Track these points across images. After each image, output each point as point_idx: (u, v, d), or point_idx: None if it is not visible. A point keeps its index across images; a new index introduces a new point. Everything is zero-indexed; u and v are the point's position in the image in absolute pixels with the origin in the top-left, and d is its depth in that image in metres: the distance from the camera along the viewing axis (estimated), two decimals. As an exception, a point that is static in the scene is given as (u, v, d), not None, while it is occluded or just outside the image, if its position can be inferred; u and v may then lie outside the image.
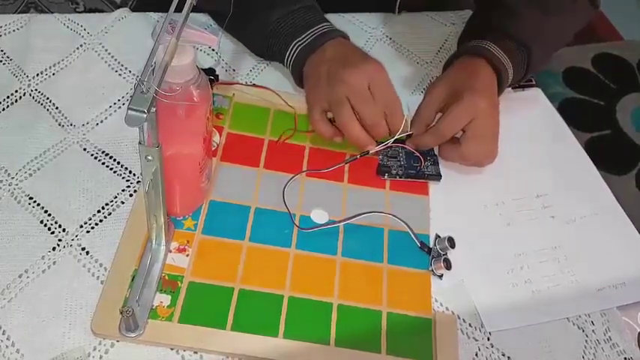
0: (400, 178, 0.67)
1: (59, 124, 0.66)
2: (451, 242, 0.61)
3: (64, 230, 0.58)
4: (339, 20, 0.80)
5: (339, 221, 0.61)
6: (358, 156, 0.66)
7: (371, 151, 0.64)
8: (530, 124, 0.77)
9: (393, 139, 0.66)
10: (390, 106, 0.63)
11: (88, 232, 0.59)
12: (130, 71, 0.72)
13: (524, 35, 0.70)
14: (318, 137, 0.68)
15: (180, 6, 0.44)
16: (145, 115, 0.41)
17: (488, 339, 0.58)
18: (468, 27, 0.80)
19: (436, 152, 0.69)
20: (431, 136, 0.66)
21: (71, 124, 0.66)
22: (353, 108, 0.62)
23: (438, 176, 0.67)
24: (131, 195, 0.62)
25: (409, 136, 0.67)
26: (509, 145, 0.73)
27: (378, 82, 0.62)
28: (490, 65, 0.68)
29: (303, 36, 0.67)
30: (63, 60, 0.72)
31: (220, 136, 0.67)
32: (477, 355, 0.57)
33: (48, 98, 0.68)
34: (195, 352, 0.53)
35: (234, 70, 0.75)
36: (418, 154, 0.68)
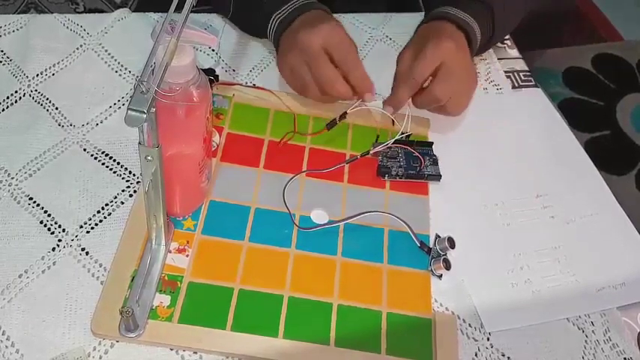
0: (400, 178, 0.67)
1: (59, 125, 0.66)
2: (451, 242, 0.61)
3: (63, 230, 0.58)
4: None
5: (339, 221, 0.62)
6: (358, 156, 0.66)
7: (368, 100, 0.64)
8: (530, 124, 0.77)
9: (392, 140, 0.66)
10: (347, 65, 0.63)
11: (87, 232, 0.59)
12: (129, 71, 0.72)
13: None
14: (319, 138, 0.68)
15: (180, 6, 0.44)
16: (144, 116, 0.41)
17: (488, 339, 0.58)
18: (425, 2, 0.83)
19: (435, 152, 0.69)
20: (404, 87, 0.66)
21: (71, 125, 0.66)
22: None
23: (437, 176, 0.67)
24: (131, 195, 0.62)
25: (408, 136, 0.67)
26: (509, 145, 0.74)
27: (332, 41, 0.63)
28: (455, 26, 0.68)
29: (283, 9, 0.68)
30: (63, 60, 0.72)
31: (220, 137, 0.67)
32: (476, 355, 0.57)
33: (48, 99, 0.68)
34: (195, 353, 0.53)
35: (234, 71, 0.75)
36: (417, 154, 0.68)
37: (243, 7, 0.74)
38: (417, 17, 0.87)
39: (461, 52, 0.66)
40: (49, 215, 0.59)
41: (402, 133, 0.66)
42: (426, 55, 0.65)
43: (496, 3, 0.72)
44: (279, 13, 0.68)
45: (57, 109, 0.67)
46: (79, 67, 0.72)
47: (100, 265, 0.57)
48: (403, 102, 0.67)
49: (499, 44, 0.85)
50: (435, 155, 0.69)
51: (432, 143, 0.70)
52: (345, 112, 0.66)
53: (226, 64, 0.76)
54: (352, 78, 0.64)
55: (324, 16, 0.68)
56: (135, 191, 0.62)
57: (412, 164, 0.67)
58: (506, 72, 0.82)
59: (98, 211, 0.60)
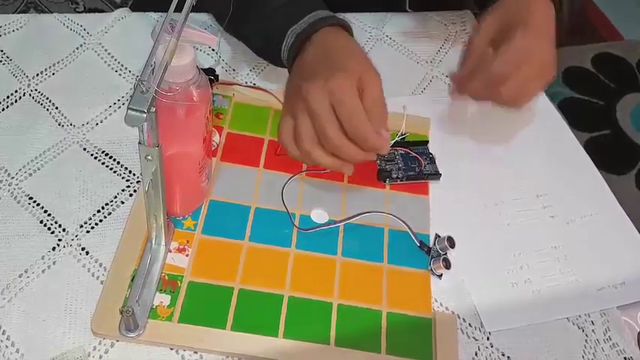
0: (401, 181, 0.66)
1: (59, 124, 0.66)
2: (451, 242, 0.61)
3: (63, 230, 0.59)
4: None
5: (339, 221, 0.62)
6: None
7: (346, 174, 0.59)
8: (530, 124, 0.77)
9: (392, 142, 0.65)
10: (352, 126, 0.54)
11: (87, 232, 0.59)
12: (129, 71, 0.72)
13: None
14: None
15: (180, 6, 0.44)
16: (144, 115, 0.41)
17: (488, 339, 0.58)
18: None
19: (432, 151, 0.69)
20: (479, 81, 0.64)
21: (71, 124, 0.66)
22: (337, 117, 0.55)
23: (437, 175, 0.67)
24: (131, 195, 0.62)
25: (404, 137, 0.67)
26: (509, 145, 0.74)
27: (338, 99, 0.54)
28: None
29: (299, 23, 0.62)
30: (63, 60, 0.72)
31: (220, 136, 0.67)
32: (476, 354, 0.57)
33: (48, 98, 0.68)
34: (195, 352, 0.53)
35: (234, 70, 0.75)
36: (416, 155, 0.68)
37: (250, 21, 0.69)
38: (417, 17, 0.87)
39: (547, 46, 0.63)
40: (49, 215, 0.59)
41: (401, 135, 0.66)
42: (508, 56, 0.62)
43: None
44: (295, 28, 0.62)
45: (57, 108, 0.67)
46: (79, 67, 0.72)
47: (100, 265, 0.57)
48: (474, 94, 0.65)
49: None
50: (431, 154, 0.69)
51: (428, 142, 0.70)
52: None
53: (226, 63, 0.76)
54: (362, 145, 0.55)
55: (338, 44, 0.60)
56: (135, 191, 0.62)
57: (411, 165, 0.67)
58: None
59: (98, 211, 0.60)
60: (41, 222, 0.59)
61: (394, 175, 0.66)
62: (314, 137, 0.55)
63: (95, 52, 0.73)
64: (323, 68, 0.57)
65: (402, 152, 0.68)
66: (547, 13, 0.65)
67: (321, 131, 0.55)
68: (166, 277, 0.56)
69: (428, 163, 0.68)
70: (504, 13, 0.65)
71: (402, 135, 0.69)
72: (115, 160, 0.64)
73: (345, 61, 0.58)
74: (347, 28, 0.64)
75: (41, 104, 0.67)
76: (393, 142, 0.66)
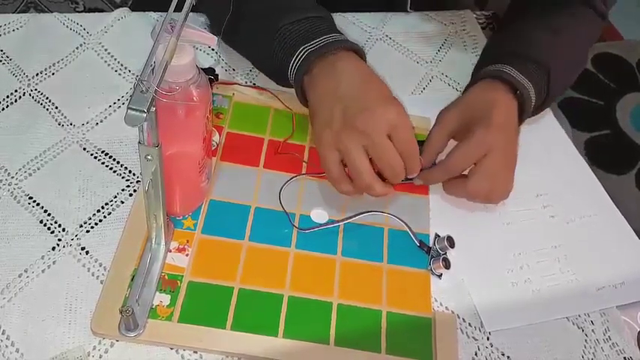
0: (402, 181, 0.66)
1: (59, 124, 0.66)
2: (450, 242, 0.61)
3: (63, 230, 0.58)
4: (339, 20, 0.80)
5: (339, 221, 0.61)
6: None
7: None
8: (530, 123, 0.77)
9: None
10: (410, 159, 0.58)
11: (87, 231, 0.59)
12: (129, 71, 0.72)
13: (540, 55, 0.67)
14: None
15: (180, 5, 0.44)
16: (144, 115, 0.41)
17: (488, 338, 0.58)
18: (482, 56, 0.76)
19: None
20: (439, 172, 0.62)
21: (71, 124, 0.66)
22: (370, 156, 0.57)
23: None
24: (131, 195, 0.62)
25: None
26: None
27: (400, 130, 0.56)
28: (510, 89, 0.64)
29: (312, 42, 0.61)
30: (62, 59, 0.72)
31: (220, 136, 0.67)
32: (476, 354, 0.57)
33: (47, 98, 0.68)
34: (195, 352, 0.53)
35: (233, 70, 0.75)
36: None
37: (250, 42, 0.68)
38: (417, 17, 0.87)
39: (509, 145, 0.62)
40: (48, 214, 0.59)
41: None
42: (467, 150, 0.60)
43: (553, 66, 0.67)
44: (308, 46, 0.60)
45: (57, 108, 0.67)
46: (78, 67, 0.72)
47: (100, 265, 0.57)
48: (434, 183, 0.64)
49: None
50: None
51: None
52: None
53: (226, 63, 0.76)
54: (409, 169, 0.58)
55: (373, 79, 0.60)
56: (135, 190, 0.62)
57: None
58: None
59: (98, 211, 0.60)
60: (41, 222, 0.59)
61: None
62: (372, 170, 0.57)
63: (95, 51, 0.73)
64: (371, 100, 0.57)
65: None
66: (510, 110, 0.63)
67: (382, 159, 0.56)
68: (166, 277, 0.56)
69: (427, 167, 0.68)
70: (465, 109, 0.63)
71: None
72: (114, 159, 0.64)
73: (384, 96, 0.59)
74: (360, 54, 0.63)
75: (41, 104, 0.67)
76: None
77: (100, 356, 0.52)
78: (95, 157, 0.64)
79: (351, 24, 0.83)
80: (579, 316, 0.61)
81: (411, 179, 0.61)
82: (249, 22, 0.67)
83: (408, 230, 0.61)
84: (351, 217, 0.61)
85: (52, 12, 0.77)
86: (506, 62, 0.65)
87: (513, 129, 0.63)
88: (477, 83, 0.66)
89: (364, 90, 0.58)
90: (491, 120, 0.60)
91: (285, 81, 0.65)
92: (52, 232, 0.58)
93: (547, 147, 0.75)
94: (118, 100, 0.69)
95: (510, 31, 0.73)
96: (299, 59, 0.61)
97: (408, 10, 0.85)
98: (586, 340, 0.60)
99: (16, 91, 0.68)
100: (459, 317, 0.59)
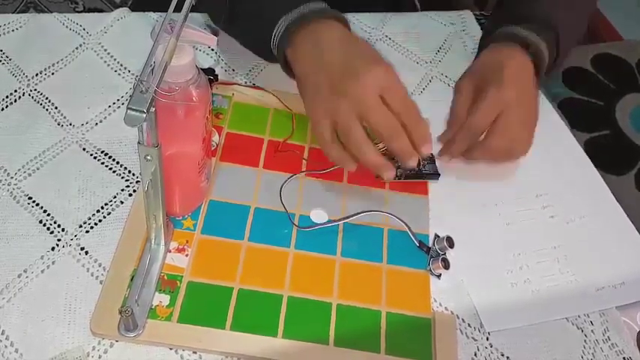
0: (400, 179, 0.66)
1: (58, 124, 0.66)
2: (450, 242, 0.61)
3: (63, 230, 0.58)
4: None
5: (338, 220, 0.61)
6: None
7: (387, 179, 0.59)
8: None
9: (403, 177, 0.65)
10: (408, 115, 0.56)
11: (87, 231, 0.59)
12: (129, 71, 0.72)
13: (547, 16, 0.68)
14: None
15: (180, 6, 0.44)
16: (144, 115, 0.41)
17: (488, 339, 0.58)
18: (488, 24, 0.78)
19: (432, 152, 0.69)
20: (460, 139, 0.63)
21: (70, 124, 0.66)
22: (365, 123, 0.55)
23: (436, 175, 0.67)
24: (130, 195, 0.62)
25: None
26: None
27: (390, 88, 0.55)
28: (522, 48, 0.65)
29: (291, 12, 0.60)
30: (62, 60, 0.72)
31: (220, 136, 0.67)
32: (475, 354, 0.57)
33: (47, 98, 0.68)
34: (195, 352, 0.53)
35: (233, 70, 0.75)
36: None
37: (243, 16, 0.68)
38: (417, 17, 0.87)
39: (524, 99, 0.62)
40: (48, 215, 0.59)
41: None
42: (482, 109, 0.61)
43: (561, 26, 0.68)
44: (288, 17, 0.59)
45: (56, 108, 0.67)
46: (78, 67, 0.72)
47: (100, 265, 0.57)
48: (459, 154, 0.65)
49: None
50: (431, 153, 0.69)
51: None
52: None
53: (226, 63, 0.76)
54: (414, 131, 0.56)
55: (357, 43, 0.59)
56: (134, 191, 0.62)
57: None
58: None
59: (97, 211, 0.60)
60: (40, 222, 0.59)
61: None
62: (364, 134, 0.55)
63: (95, 51, 0.73)
64: (356, 63, 0.56)
65: None
66: (522, 65, 0.64)
67: (376, 121, 0.55)
68: (166, 277, 0.56)
69: (428, 163, 0.68)
70: (478, 73, 0.65)
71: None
72: (114, 160, 0.64)
73: (369, 57, 0.58)
74: (344, 22, 0.63)
75: (40, 104, 0.67)
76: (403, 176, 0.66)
77: (100, 356, 0.52)
78: (95, 158, 0.64)
79: (351, 24, 0.83)
80: (579, 316, 0.61)
81: (429, 163, 0.62)
82: (245, 17, 0.67)
83: (407, 230, 0.61)
84: (350, 217, 0.61)
85: (51, 12, 0.77)
86: (515, 24, 0.67)
87: (528, 85, 0.64)
88: (487, 47, 0.68)
89: (349, 54, 0.57)
90: (503, 77, 0.62)
91: (271, 55, 0.64)
92: (52, 233, 0.58)
93: (548, 146, 0.75)
94: (118, 100, 0.69)
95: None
96: (279, 32, 0.60)
97: (417, 8, 0.86)
98: (585, 341, 0.60)
99: (15, 91, 0.68)
100: (458, 317, 0.59)
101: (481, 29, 0.87)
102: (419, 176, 0.67)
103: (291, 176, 0.65)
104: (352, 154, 0.57)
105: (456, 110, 0.66)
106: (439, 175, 0.67)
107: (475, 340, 0.58)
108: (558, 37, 0.68)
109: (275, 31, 0.60)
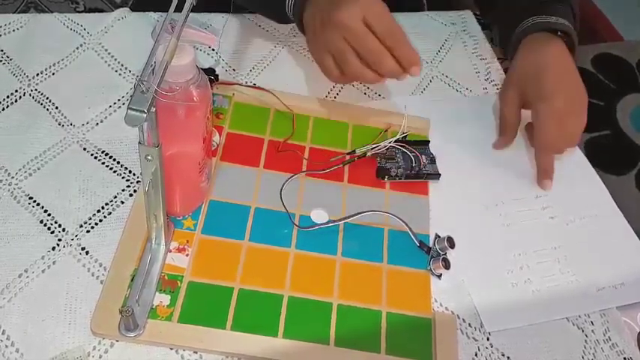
0: (400, 179, 0.67)
1: (59, 124, 0.66)
2: (450, 242, 0.61)
3: (63, 230, 0.58)
4: None
5: (339, 220, 0.61)
6: (356, 158, 0.67)
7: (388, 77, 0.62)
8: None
9: (392, 140, 0.66)
10: (393, 38, 0.59)
11: (87, 231, 0.59)
12: (129, 71, 0.72)
13: None
14: (319, 138, 0.68)
15: (180, 6, 0.44)
16: (144, 115, 0.41)
17: (488, 339, 0.58)
18: (503, 20, 0.80)
19: (432, 151, 0.69)
20: (546, 162, 0.69)
21: (71, 124, 0.66)
22: (353, 46, 0.60)
23: (436, 175, 0.67)
24: (131, 195, 0.62)
25: (405, 136, 0.68)
26: (509, 146, 0.73)
27: (373, 13, 0.59)
28: (552, 34, 0.68)
29: None
30: (63, 60, 0.72)
31: (220, 136, 0.67)
32: (476, 355, 0.57)
33: (48, 98, 0.68)
34: (195, 352, 0.53)
35: (234, 70, 0.75)
36: (417, 153, 0.67)
37: None
38: (417, 17, 0.87)
39: (571, 93, 0.67)
40: (49, 214, 0.59)
41: (402, 134, 0.66)
42: (543, 124, 0.66)
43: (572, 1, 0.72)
44: None
45: (57, 108, 0.67)
46: (79, 67, 0.72)
47: (100, 265, 0.57)
48: (553, 168, 0.69)
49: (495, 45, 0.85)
50: (432, 154, 0.69)
51: (429, 142, 0.70)
52: (365, 154, 0.66)
53: (226, 63, 0.76)
54: (400, 52, 0.60)
55: None
56: (135, 191, 0.62)
57: (410, 164, 0.67)
58: (506, 72, 0.82)
59: (98, 211, 0.60)
60: (41, 222, 0.59)
61: (393, 173, 0.66)
62: (357, 61, 0.60)
63: (95, 51, 0.73)
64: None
65: (403, 151, 0.68)
66: (560, 56, 0.69)
67: (359, 46, 0.59)
68: (166, 277, 0.56)
69: (428, 163, 0.68)
70: (519, 84, 0.69)
71: (403, 134, 0.69)
72: (115, 159, 0.64)
73: None
74: None
75: (41, 104, 0.67)
76: (394, 139, 0.66)
77: (100, 356, 0.52)
78: (95, 157, 0.64)
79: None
80: (579, 316, 0.61)
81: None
82: None
83: (407, 230, 0.61)
84: (350, 217, 0.61)
85: (52, 12, 0.77)
86: (536, 13, 0.70)
87: (570, 77, 0.68)
88: (520, 44, 0.71)
89: None
90: (546, 88, 0.66)
91: (285, 18, 0.69)
92: (52, 232, 0.58)
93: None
94: (118, 100, 0.69)
95: None
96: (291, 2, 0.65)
97: (425, 7, 0.86)
98: (586, 341, 0.60)
99: (16, 91, 0.68)
100: (458, 318, 0.59)
101: (482, 29, 0.87)
102: (419, 176, 0.67)
103: (292, 176, 0.65)
104: (353, 79, 0.63)
105: (504, 117, 0.70)
106: (439, 175, 0.67)
107: (476, 340, 0.58)
108: (573, 10, 0.72)
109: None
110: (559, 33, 0.69)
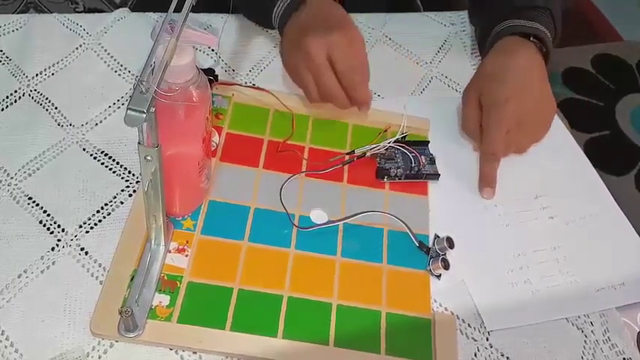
0: (400, 179, 0.67)
1: (58, 124, 0.66)
2: (450, 242, 0.61)
3: (63, 230, 0.58)
4: None
5: (338, 220, 0.61)
6: (355, 158, 0.67)
7: (368, 154, 0.65)
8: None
9: (392, 140, 0.66)
10: (350, 79, 0.62)
11: (87, 232, 0.59)
12: (129, 71, 0.72)
13: (540, 1, 0.71)
14: (319, 138, 0.68)
15: (180, 6, 0.44)
16: (144, 115, 0.41)
17: (487, 339, 0.58)
18: (481, 21, 0.80)
19: (432, 152, 0.69)
20: (489, 167, 0.67)
21: (70, 124, 0.66)
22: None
23: (436, 175, 0.67)
24: (130, 195, 0.62)
25: (404, 136, 0.68)
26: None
27: (338, 50, 0.61)
28: (529, 41, 0.67)
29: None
30: (62, 60, 0.72)
31: (219, 137, 0.67)
32: (475, 355, 0.57)
33: (47, 98, 0.68)
34: (195, 353, 0.53)
35: (233, 70, 0.75)
36: (416, 154, 0.67)
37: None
38: (417, 17, 0.87)
39: (533, 95, 0.66)
40: (48, 215, 0.59)
41: (402, 134, 0.66)
42: (493, 132, 0.65)
43: (553, 5, 0.71)
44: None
45: (56, 108, 0.67)
46: (78, 67, 0.72)
47: (100, 265, 0.57)
48: (495, 176, 0.68)
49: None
50: (431, 154, 0.69)
51: (429, 142, 0.70)
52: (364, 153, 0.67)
53: (226, 64, 0.76)
54: (353, 93, 0.63)
55: (332, 9, 0.65)
56: (134, 191, 0.62)
57: (410, 164, 0.67)
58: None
59: (97, 211, 0.60)
60: (40, 222, 0.59)
61: (392, 174, 0.66)
62: (312, 84, 0.63)
63: (95, 52, 0.73)
64: (317, 26, 0.62)
65: (402, 151, 0.68)
66: (528, 61, 0.67)
67: (317, 80, 0.62)
68: (166, 278, 0.56)
69: (428, 163, 0.68)
70: (481, 85, 0.68)
71: (403, 134, 0.69)
72: (114, 160, 0.64)
73: (337, 21, 0.63)
74: None
75: (41, 104, 0.67)
76: (393, 140, 0.66)
77: (100, 357, 0.52)
78: (95, 158, 0.64)
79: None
80: (579, 317, 0.61)
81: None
82: None
83: (407, 231, 0.61)
84: (350, 217, 0.61)
85: (52, 12, 0.77)
86: (513, 17, 0.69)
87: (534, 82, 0.67)
88: (491, 47, 0.70)
89: (315, 19, 0.63)
90: (504, 92, 0.65)
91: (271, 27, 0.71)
92: (52, 233, 0.58)
93: (548, 146, 0.75)
94: (118, 100, 0.69)
95: None
96: (278, 13, 0.67)
97: (420, 8, 0.86)
98: (585, 341, 0.60)
99: (15, 91, 0.68)
100: (458, 318, 0.59)
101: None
102: (419, 176, 0.67)
103: (291, 176, 0.65)
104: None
105: (465, 119, 0.69)
106: (439, 175, 0.67)
107: (475, 340, 0.58)
108: (553, 16, 0.71)
109: (275, 10, 0.67)
110: (531, 38, 0.68)
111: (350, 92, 0.62)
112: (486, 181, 0.68)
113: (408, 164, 0.67)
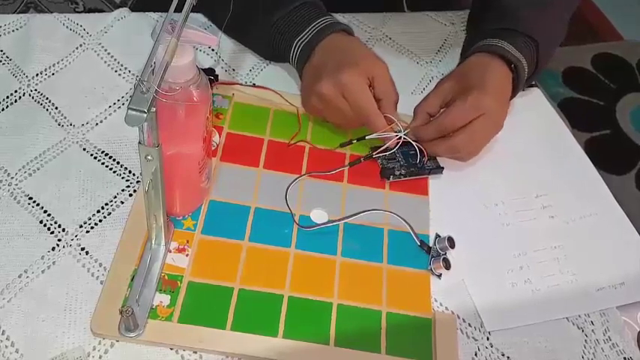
0: (404, 177, 0.67)
1: (59, 124, 0.66)
2: (451, 242, 0.61)
3: (63, 230, 0.58)
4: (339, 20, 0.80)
5: (339, 220, 0.61)
6: (362, 159, 0.67)
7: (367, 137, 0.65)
8: (530, 124, 0.77)
9: (397, 136, 0.66)
10: (362, 118, 0.63)
11: (87, 232, 0.59)
12: (129, 71, 0.72)
13: (529, 30, 0.70)
14: (319, 138, 0.69)
15: (180, 6, 0.44)
16: (144, 115, 0.41)
17: (488, 339, 0.58)
18: (470, 31, 0.80)
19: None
20: (432, 128, 0.65)
21: (71, 124, 0.66)
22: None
23: (439, 169, 0.67)
24: (131, 195, 0.62)
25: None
26: (509, 145, 0.73)
27: (349, 93, 0.62)
28: (505, 62, 0.67)
29: (304, 33, 0.66)
30: (62, 60, 0.72)
31: (220, 136, 0.67)
32: (476, 354, 0.57)
33: (47, 98, 0.68)
34: (195, 352, 0.53)
35: (233, 70, 0.75)
36: (416, 148, 0.67)
37: (245, 32, 0.74)
38: (417, 17, 0.87)
39: (500, 108, 0.65)
40: (48, 215, 0.59)
41: (402, 132, 0.66)
42: (463, 109, 0.63)
43: (540, 37, 0.70)
44: (302, 38, 0.66)
45: (57, 108, 0.67)
46: (78, 67, 0.72)
47: (100, 265, 0.57)
48: (425, 139, 0.66)
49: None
50: None
51: None
52: (364, 136, 0.66)
53: (226, 63, 0.76)
54: (360, 126, 0.65)
55: (347, 49, 0.65)
56: (135, 191, 0.62)
57: (412, 162, 0.67)
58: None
59: (98, 211, 0.60)
60: (41, 222, 0.59)
61: (397, 172, 0.66)
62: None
63: (95, 52, 0.73)
64: (332, 66, 0.63)
65: (403, 150, 0.68)
66: (504, 78, 0.67)
67: (331, 119, 0.66)
68: (166, 277, 0.56)
69: (429, 159, 0.68)
70: (461, 78, 0.67)
71: (403, 134, 0.68)
72: (114, 160, 0.64)
73: (352, 58, 0.64)
74: (349, 32, 0.68)
75: (41, 104, 0.67)
76: (398, 136, 0.66)
77: (100, 357, 0.52)
78: (95, 158, 0.64)
79: (351, 24, 0.83)
80: (579, 316, 0.61)
81: (399, 135, 0.65)
82: (247, 21, 0.71)
83: (408, 230, 0.61)
84: (350, 217, 0.61)
85: (52, 12, 0.77)
86: (499, 37, 0.69)
87: (506, 97, 0.68)
88: (472, 56, 0.69)
89: (331, 59, 0.64)
90: (486, 85, 0.64)
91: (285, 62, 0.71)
92: (52, 233, 0.58)
93: (548, 146, 0.75)
94: (118, 100, 0.69)
95: (496, 7, 0.74)
96: (296, 53, 0.67)
97: (405, 10, 0.86)
98: (586, 341, 0.60)
99: (16, 91, 0.68)
100: (458, 317, 0.59)
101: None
102: (422, 172, 0.67)
103: (297, 178, 0.65)
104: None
105: (427, 99, 0.68)
106: (442, 168, 0.67)
107: (475, 340, 0.58)
108: (538, 48, 0.70)
109: (292, 51, 0.68)
110: (512, 65, 0.67)
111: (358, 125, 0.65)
112: (418, 136, 0.66)
113: (409, 162, 0.67)
